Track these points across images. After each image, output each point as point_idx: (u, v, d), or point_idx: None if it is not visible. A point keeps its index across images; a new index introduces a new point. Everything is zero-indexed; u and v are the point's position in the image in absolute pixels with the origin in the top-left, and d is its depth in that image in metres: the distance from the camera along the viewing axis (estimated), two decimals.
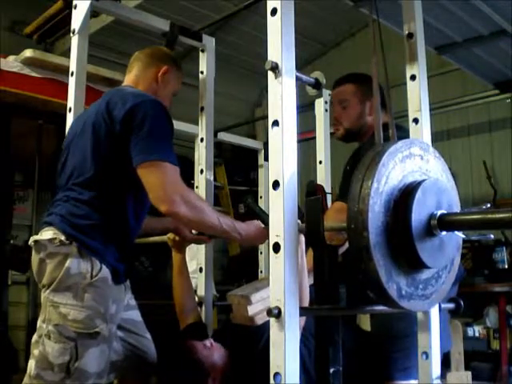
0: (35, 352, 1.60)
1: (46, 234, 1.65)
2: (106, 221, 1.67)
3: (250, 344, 1.88)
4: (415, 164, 1.14)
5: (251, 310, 1.84)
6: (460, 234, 1.17)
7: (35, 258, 1.67)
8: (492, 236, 1.27)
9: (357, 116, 2.10)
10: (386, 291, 1.02)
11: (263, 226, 1.80)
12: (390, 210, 1.05)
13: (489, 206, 1.29)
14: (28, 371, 1.61)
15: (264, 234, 1.77)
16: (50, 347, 1.56)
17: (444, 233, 1.10)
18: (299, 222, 1.35)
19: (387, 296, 1.03)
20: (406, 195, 1.06)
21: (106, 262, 1.64)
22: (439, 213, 1.09)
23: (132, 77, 1.94)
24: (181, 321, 2.10)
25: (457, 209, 1.19)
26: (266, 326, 1.90)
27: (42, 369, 1.56)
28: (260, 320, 1.84)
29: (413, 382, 1.84)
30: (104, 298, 1.63)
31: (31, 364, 1.60)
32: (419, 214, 1.06)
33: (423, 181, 1.10)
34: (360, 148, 2.08)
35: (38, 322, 1.63)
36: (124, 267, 1.73)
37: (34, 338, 1.62)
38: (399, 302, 1.05)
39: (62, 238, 1.61)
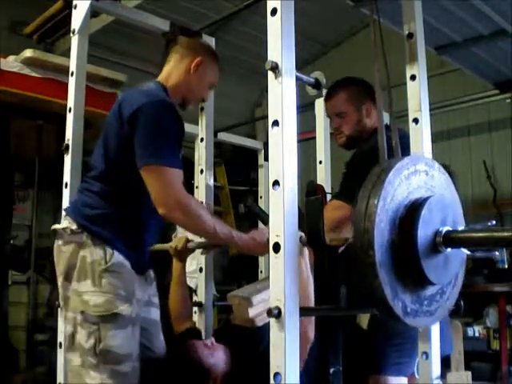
0: (75, 342, 1.66)
1: (63, 222, 1.75)
2: (114, 211, 1.73)
3: (250, 344, 1.88)
4: (420, 180, 1.13)
5: (252, 312, 1.85)
6: (465, 251, 1.16)
7: (55, 245, 1.76)
8: (497, 253, 1.27)
9: (356, 122, 2.09)
10: (391, 309, 1.02)
11: (267, 237, 1.77)
12: (395, 228, 1.05)
13: (494, 222, 1.28)
14: (73, 363, 1.66)
15: (263, 248, 1.75)
16: (81, 334, 1.64)
17: (449, 249, 1.10)
18: (302, 234, 1.35)
19: (392, 314, 1.03)
20: (411, 212, 1.06)
21: (117, 249, 1.69)
22: (444, 230, 1.09)
23: (167, 68, 1.95)
24: (176, 327, 2.09)
25: (461, 225, 1.18)
26: (266, 327, 1.90)
27: (82, 355, 1.64)
28: (260, 321, 1.84)
29: (402, 378, 1.84)
30: (123, 281, 1.68)
31: (75, 356, 1.65)
32: (425, 231, 1.05)
33: (428, 198, 1.09)
34: (357, 152, 2.08)
35: (70, 315, 1.68)
36: (136, 257, 1.76)
37: (70, 329, 1.68)
38: (404, 320, 1.05)
39: (74, 227, 1.70)
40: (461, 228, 1.14)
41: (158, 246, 2.19)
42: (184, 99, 1.93)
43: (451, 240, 1.08)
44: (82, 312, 1.64)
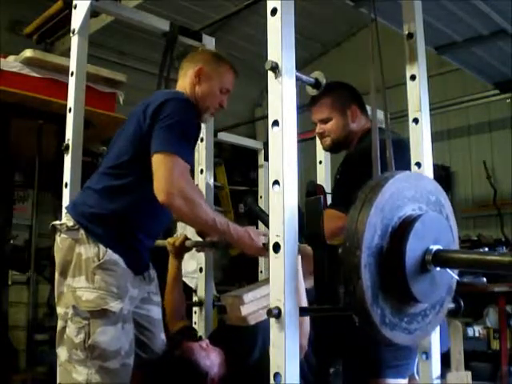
0: (64, 337, 1.67)
1: (63, 219, 1.78)
2: (112, 211, 1.73)
3: (243, 346, 1.88)
4: (420, 196, 1.12)
5: (244, 310, 1.84)
6: (454, 275, 1.15)
7: (55, 241, 1.78)
8: (484, 279, 1.26)
9: (342, 127, 2.06)
10: (369, 314, 1.00)
11: (263, 241, 1.76)
12: (386, 235, 1.03)
13: (487, 249, 1.26)
14: (62, 358, 1.67)
15: (256, 249, 1.75)
16: (71, 328, 1.65)
17: (438, 269, 1.08)
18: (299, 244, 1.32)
19: (370, 320, 1.01)
20: (404, 224, 1.05)
21: (110, 247, 1.70)
22: (435, 248, 1.07)
23: (178, 83, 1.98)
24: (170, 325, 2.09)
25: (454, 247, 1.17)
26: (259, 327, 1.90)
27: (70, 350, 1.65)
28: (253, 320, 1.84)
29: (401, 380, 1.84)
30: (116, 278, 1.69)
31: (63, 350, 1.67)
32: (415, 245, 1.04)
33: (424, 213, 1.08)
34: (349, 156, 2.06)
35: (62, 310, 1.69)
36: (133, 257, 1.76)
37: (60, 324, 1.69)
38: (381, 329, 1.03)
39: (70, 223, 1.72)
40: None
41: (158, 242, 2.19)
42: (198, 111, 1.91)
43: (440, 259, 1.06)
44: (73, 306, 1.65)
